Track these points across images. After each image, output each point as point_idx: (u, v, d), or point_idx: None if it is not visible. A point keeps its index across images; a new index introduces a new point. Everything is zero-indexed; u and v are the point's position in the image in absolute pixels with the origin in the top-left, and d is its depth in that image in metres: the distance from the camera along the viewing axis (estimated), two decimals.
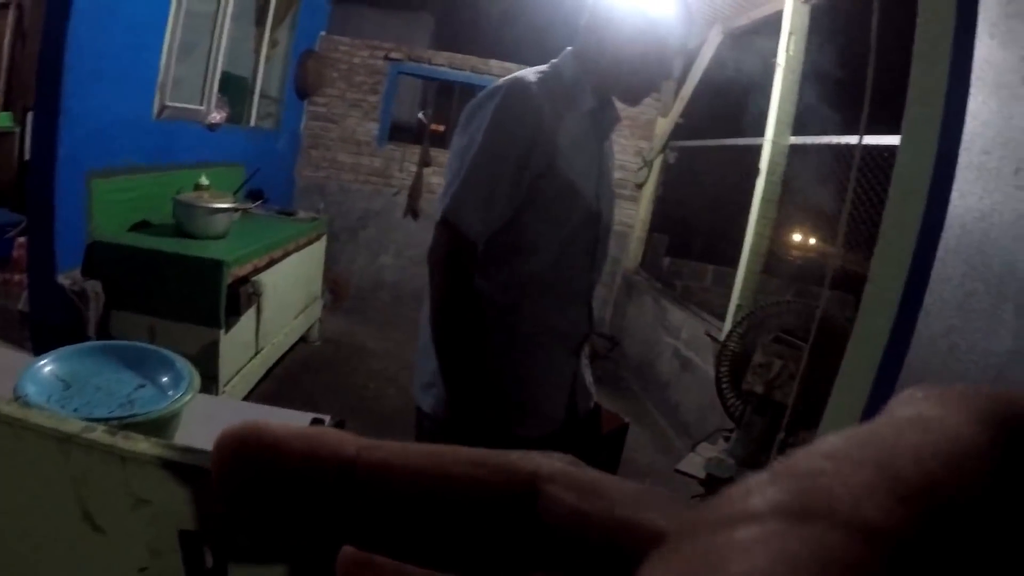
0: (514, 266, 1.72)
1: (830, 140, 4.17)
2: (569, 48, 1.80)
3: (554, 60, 1.79)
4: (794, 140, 4.60)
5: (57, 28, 3.07)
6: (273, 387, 4.55)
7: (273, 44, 6.02)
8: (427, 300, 1.72)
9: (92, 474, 0.99)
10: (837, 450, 0.15)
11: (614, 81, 1.74)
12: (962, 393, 0.17)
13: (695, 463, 2.83)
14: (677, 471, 2.65)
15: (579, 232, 1.75)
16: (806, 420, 2.65)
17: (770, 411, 2.67)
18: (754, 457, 2.66)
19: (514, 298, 1.73)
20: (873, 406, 1.15)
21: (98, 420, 1.07)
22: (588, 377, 1.96)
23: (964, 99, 1.13)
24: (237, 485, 0.20)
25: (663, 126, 6.93)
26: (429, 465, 0.20)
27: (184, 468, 0.95)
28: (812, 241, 6.47)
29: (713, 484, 2.66)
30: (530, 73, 1.71)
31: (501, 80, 1.67)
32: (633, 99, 1.79)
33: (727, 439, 2.95)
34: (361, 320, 6.56)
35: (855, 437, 0.15)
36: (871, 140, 3.10)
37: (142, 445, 0.98)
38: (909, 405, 0.17)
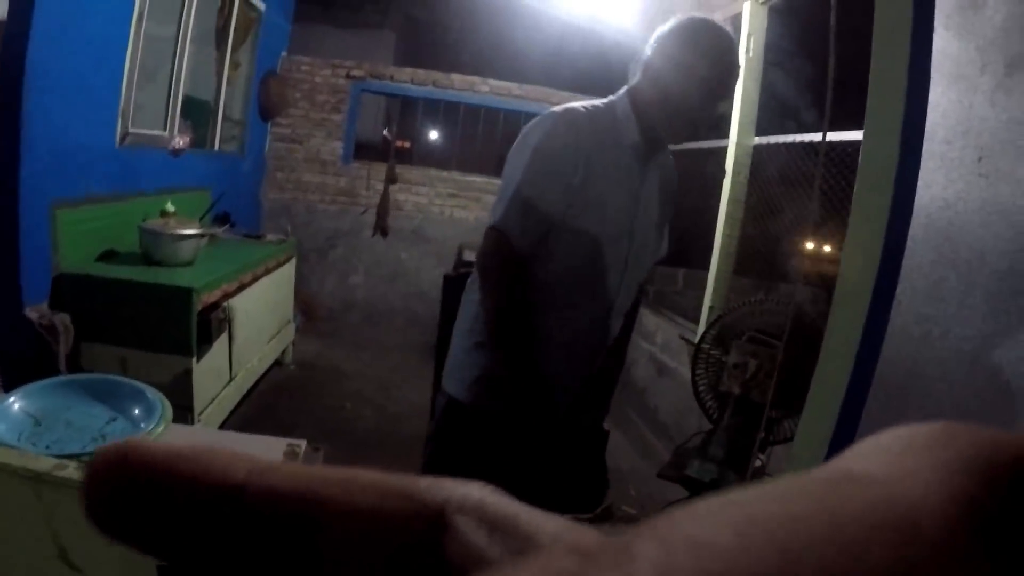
0: (529, 269, 1.87)
1: (793, 139, 4.19)
2: (627, 87, 1.92)
3: (612, 96, 1.93)
4: (758, 140, 4.63)
5: (15, 58, 3.02)
6: (249, 413, 4.51)
7: (235, 66, 5.98)
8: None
9: (65, 512, 0.97)
10: (736, 521, 0.13)
11: (661, 121, 1.85)
12: (936, 440, 0.15)
13: (676, 467, 2.82)
14: (660, 476, 2.65)
15: (602, 250, 1.89)
16: (786, 414, 2.66)
17: (748, 410, 2.68)
18: (735, 457, 2.66)
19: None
20: (851, 399, 1.15)
21: (70, 456, 1.05)
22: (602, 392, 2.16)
23: (925, 90, 1.14)
24: (107, 506, 0.19)
25: None
26: (326, 493, 0.19)
27: None
28: (783, 240, 6.51)
29: (696, 487, 2.66)
30: (581, 105, 1.87)
31: (556, 107, 1.86)
32: (675, 139, 1.96)
33: (707, 441, 2.95)
34: (334, 342, 6.52)
35: (770, 499, 0.14)
36: (835, 136, 3.12)
37: None
38: (866, 456, 0.16)
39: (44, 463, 0.95)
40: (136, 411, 1.48)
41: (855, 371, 1.15)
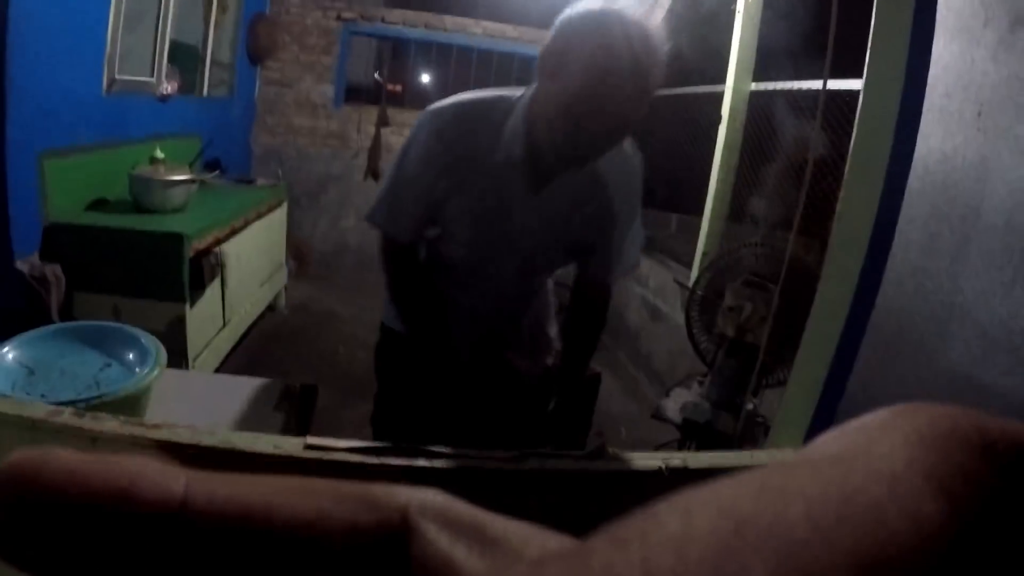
0: (433, 243, 1.83)
1: (792, 86, 4.16)
2: (529, 93, 1.63)
3: (522, 91, 1.66)
4: (755, 87, 4.59)
5: None
6: (243, 359, 4.53)
7: (223, 9, 5.88)
8: None
9: None
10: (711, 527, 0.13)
11: (544, 141, 1.56)
12: (897, 420, 0.16)
13: (671, 408, 2.85)
14: (653, 417, 2.68)
15: (480, 256, 1.81)
16: (779, 359, 2.69)
17: (742, 353, 2.70)
18: (730, 400, 2.69)
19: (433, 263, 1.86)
20: (845, 346, 1.16)
21: (65, 404, 1.05)
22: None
23: (929, 42, 1.13)
24: (11, 530, 0.17)
25: None
26: (274, 502, 0.17)
27: (159, 446, 0.95)
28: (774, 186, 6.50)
29: (690, 428, 2.69)
30: (472, 103, 1.66)
31: (443, 102, 1.66)
32: (566, 162, 1.59)
33: (701, 383, 2.97)
34: (327, 286, 6.53)
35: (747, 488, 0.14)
36: (835, 85, 3.10)
37: (111, 424, 0.96)
38: (837, 440, 0.16)
39: (39, 409, 0.96)
40: (130, 356, 1.48)
41: (849, 319, 1.16)
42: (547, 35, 1.50)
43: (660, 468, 1.06)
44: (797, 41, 4.19)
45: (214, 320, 3.98)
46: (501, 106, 1.63)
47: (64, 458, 0.17)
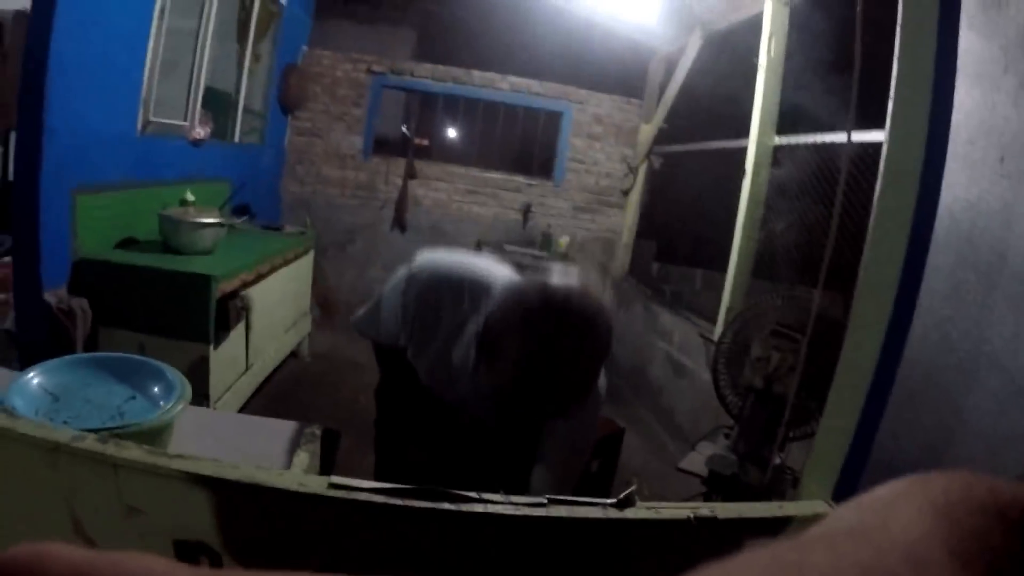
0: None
1: (815, 139, 4.16)
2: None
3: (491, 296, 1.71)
4: (779, 140, 4.61)
5: (39, 46, 3.05)
6: (264, 403, 4.52)
7: (256, 59, 6.00)
8: None
9: (83, 484, 0.97)
10: None
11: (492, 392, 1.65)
12: (912, 491, 0.15)
13: (696, 461, 2.81)
14: (679, 469, 2.64)
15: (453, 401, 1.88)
16: (806, 410, 2.65)
17: (770, 404, 2.67)
18: (757, 452, 2.65)
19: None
20: (873, 396, 1.14)
21: (89, 431, 1.04)
22: None
23: (951, 89, 1.12)
24: None
25: (647, 132, 6.97)
26: None
27: (182, 477, 0.93)
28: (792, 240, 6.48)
29: (716, 481, 2.65)
30: (442, 278, 1.84)
31: (424, 260, 1.96)
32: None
33: (727, 436, 2.94)
34: (351, 335, 6.49)
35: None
36: (859, 136, 3.10)
37: (135, 452, 0.96)
38: (858, 510, 0.16)
39: (63, 434, 0.95)
40: (155, 390, 1.48)
41: (877, 370, 1.14)
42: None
43: (689, 518, 1.04)
44: (819, 93, 4.21)
45: (237, 363, 3.98)
46: (472, 291, 1.73)
47: (67, 555, 0.17)
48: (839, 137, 3.86)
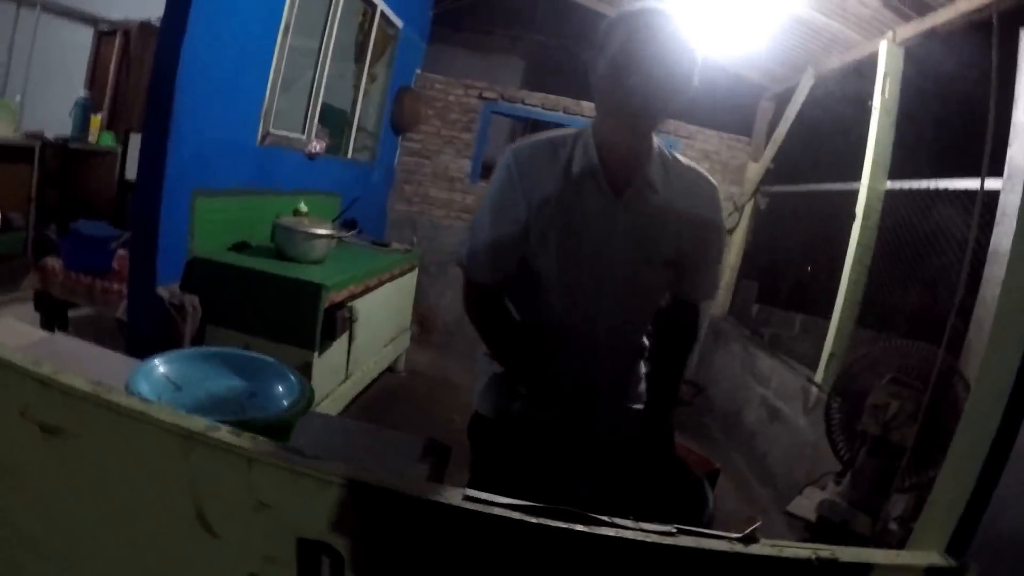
0: (528, 301, 1.85)
1: (929, 185, 4.01)
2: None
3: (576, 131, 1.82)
4: (891, 185, 4.47)
5: (170, 53, 3.17)
6: (359, 414, 4.54)
7: (371, 79, 6.12)
8: None
9: (212, 474, 0.96)
10: None
11: (609, 141, 1.72)
12: None
13: (805, 506, 2.72)
14: (787, 513, 2.55)
15: (567, 289, 1.79)
16: (919, 462, 2.54)
17: (885, 453, 2.56)
18: (868, 500, 2.54)
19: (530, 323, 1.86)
20: (996, 449, 1.09)
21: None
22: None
23: None
24: None
25: (754, 171, 6.87)
26: None
27: (318, 477, 0.92)
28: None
29: (824, 527, 2.55)
30: (536, 138, 1.79)
31: (521, 140, 1.80)
32: (634, 145, 1.73)
33: (837, 483, 2.83)
34: (447, 354, 6.55)
35: None
36: (968, 184, 2.97)
37: (269, 448, 0.95)
38: None
39: (198, 423, 0.95)
40: (278, 389, 1.48)
41: (1002, 424, 1.09)
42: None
43: (811, 559, 1.03)
44: (930, 138, 4.09)
45: (338, 372, 4.03)
46: (572, 135, 1.77)
47: None
48: (956, 184, 3.71)
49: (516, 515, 0.92)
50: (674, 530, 0.97)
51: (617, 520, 0.97)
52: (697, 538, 0.98)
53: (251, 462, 0.94)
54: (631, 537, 0.94)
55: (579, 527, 0.93)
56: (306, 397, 1.39)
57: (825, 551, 1.04)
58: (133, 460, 0.99)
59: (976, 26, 3.33)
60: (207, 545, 0.99)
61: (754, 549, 1.00)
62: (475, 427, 1.96)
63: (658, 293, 1.92)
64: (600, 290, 1.78)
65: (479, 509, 0.91)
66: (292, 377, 1.47)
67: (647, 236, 1.78)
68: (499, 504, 0.92)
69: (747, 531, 1.03)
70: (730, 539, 1.01)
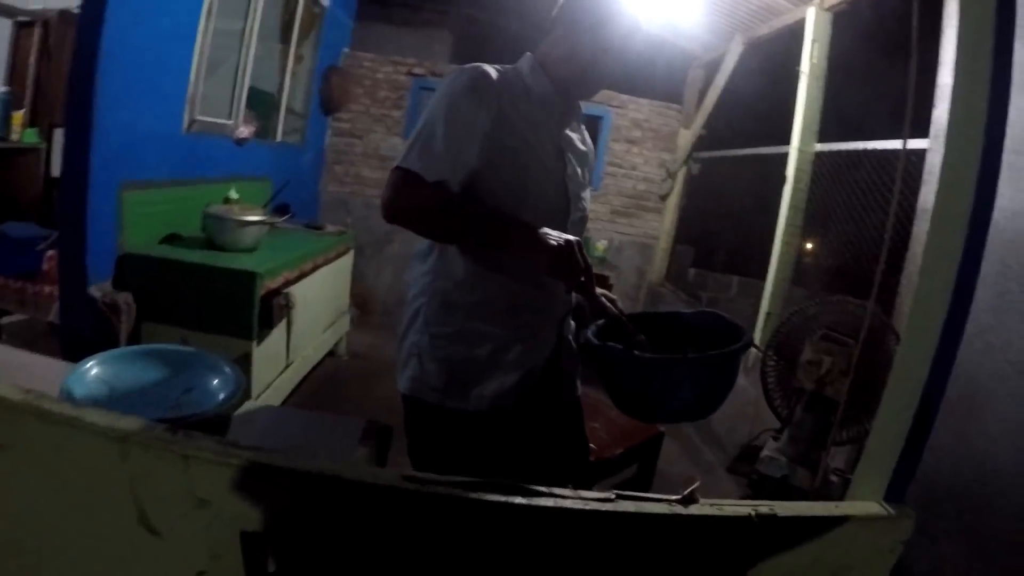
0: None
1: (857, 146, 4.13)
2: (528, 53, 1.94)
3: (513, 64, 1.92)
4: (820, 147, 4.59)
5: (90, 42, 3.09)
6: (302, 400, 4.53)
7: (298, 60, 6.04)
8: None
9: (150, 474, 0.97)
10: None
11: (564, 75, 1.86)
12: None
13: (745, 463, 2.79)
14: (730, 471, 2.62)
15: (541, 208, 1.80)
16: (855, 414, 2.63)
17: (820, 407, 2.64)
18: (807, 454, 2.62)
19: (487, 266, 1.80)
20: (927, 400, 1.15)
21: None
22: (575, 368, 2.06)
23: (1006, 97, 1.10)
24: None
25: (686, 137, 6.94)
26: None
27: (255, 468, 0.93)
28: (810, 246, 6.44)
29: (764, 484, 2.63)
30: (487, 64, 1.80)
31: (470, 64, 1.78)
32: (585, 93, 1.93)
33: (776, 439, 2.91)
34: (388, 335, 6.53)
35: None
36: (915, 145, 3.06)
37: (206, 443, 0.96)
38: None
39: (134, 423, 0.96)
40: (214, 383, 1.48)
41: (931, 374, 1.14)
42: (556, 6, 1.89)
43: (750, 515, 1.07)
44: (857, 101, 4.18)
45: (278, 360, 4.01)
46: (508, 67, 1.87)
47: None
48: (883, 144, 3.83)
49: (455, 491, 0.94)
50: (613, 496, 1.01)
51: (556, 490, 0.99)
52: (636, 503, 1.02)
53: (187, 459, 0.95)
54: (570, 506, 0.97)
55: (519, 500, 0.96)
56: (241, 389, 1.40)
57: (764, 507, 1.08)
58: (71, 466, 1.00)
59: None
60: (153, 547, 1.00)
61: (694, 510, 1.05)
62: (429, 419, 1.86)
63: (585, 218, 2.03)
64: (556, 209, 1.85)
65: (418, 488, 0.93)
66: (227, 369, 1.48)
67: (579, 162, 1.97)
68: (439, 482, 0.94)
69: (686, 492, 1.06)
70: (669, 501, 1.04)
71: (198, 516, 0.97)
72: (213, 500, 0.96)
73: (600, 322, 1.81)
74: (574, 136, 1.99)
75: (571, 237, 1.61)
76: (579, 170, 1.96)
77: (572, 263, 1.60)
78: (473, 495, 0.93)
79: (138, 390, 1.45)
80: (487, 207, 1.70)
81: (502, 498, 0.94)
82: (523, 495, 0.95)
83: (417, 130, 1.69)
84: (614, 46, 1.83)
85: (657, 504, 1.02)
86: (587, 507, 0.97)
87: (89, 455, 1.00)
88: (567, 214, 1.89)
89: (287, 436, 1.52)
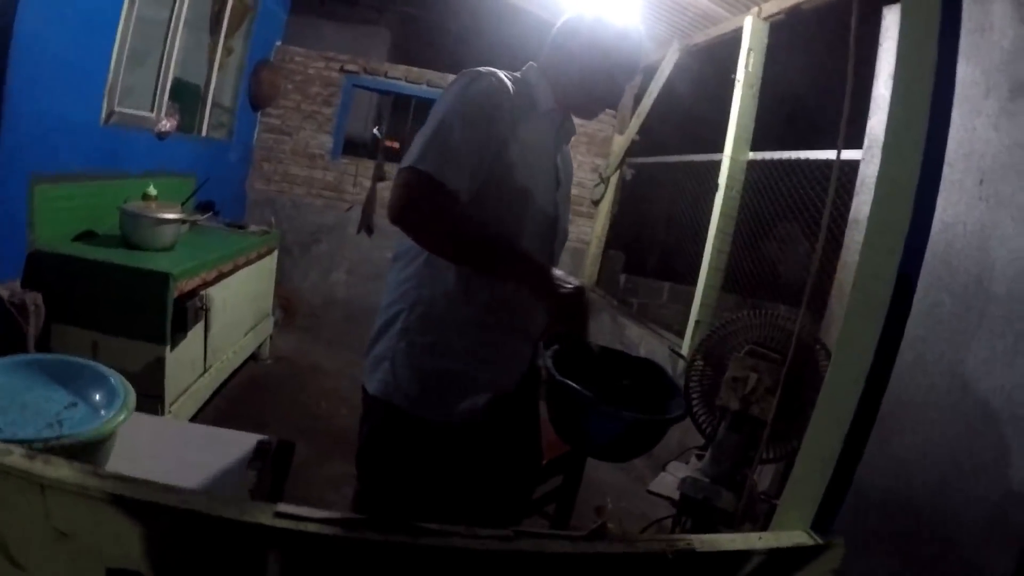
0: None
1: (789, 155, 4.18)
2: (532, 63, 1.95)
3: (517, 72, 1.92)
4: (753, 156, 4.63)
5: (1, 26, 2.93)
6: (222, 406, 4.41)
7: (227, 52, 5.90)
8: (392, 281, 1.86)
9: (9, 503, 0.88)
10: None
11: (573, 96, 1.91)
12: None
13: (667, 483, 2.75)
14: (650, 492, 2.57)
15: (535, 228, 1.82)
16: (782, 433, 2.60)
17: (746, 426, 2.61)
18: (731, 475, 2.59)
19: (478, 283, 1.77)
20: (859, 420, 1.10)
21: (23, 442, 0.96)
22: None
23: (948, 108, 1.08)
24: None
25: (620, 143, 6.97)
26: None
27: (116, 500, 0.85)
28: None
29: (687, 505, 2.58)
30: (499, 71, 1.80)
31: (477, 68, 1.77)
32: (588, 114, 1.99)
33: (700, 457, 2.87)
34: (313, 338, 6.43)
35: None
36: (848, 155, 3.09)
37: (64, 471, 0.87)
38: None
39: None
40: (97, 397, 1.39)
41: (863, 396, 1.10)
42: (563, 24, 1.93)
43: (665, 552, 1.00)
44: (788, 111, 4.25)
45: (194, 365, 3.87)
46: (515, 76, 1.88)
47: None
48: (815, 154, 3.88)
49: (332, 530, 0.87)
50: (511, 534, 0.94)
51: (448, 528, 0.93)
52: (537, 540, 0.94)
53: (44, 489, 0.86)
54: (462, 545, 0.91)
55: (401, 538, 0.89)
56: (126, 404, 1.31)
57: (681, 542, 1.02)
58: None
59: (840, 2, 3.45)
60: None
61: (601, 547, 0.98)
62: (370, 408, 1.84)
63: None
64: (544, 229, 1.88)
65: (291, 527, 0.86)
66: (112, 382, 1.39)
67: (567, 175, 2.03)
68: (313, 519, 0.87)
69: (594, 527, 0.99)
70: (574, 538, 0.98)
71: (60, 549, 0.88)
72: (75, 533, 0.88)
73: (556, 347, 1.82)
74: (566, 150, 2.06)
75: (578, 282, 1.64)
76: (567, 189, 2.03)
77: (579, 311, 1.64)
78: (353, 534, 0.86)
79: (20, 404, 1.35)
80: (494, 231, 1.68)
81: (384, 537, 0.87)
82: (407, 533, 0.88)
83: (431, 130, 1.63)
84: (624, 71, 1.90)
85: (560, 542, 0.96)
86: (482, 546, 0.90)
87: None
88: (555, 235, 1.93)
89: (175, 454, 1.44)
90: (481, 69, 1.77)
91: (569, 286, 1.61)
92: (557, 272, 1.63)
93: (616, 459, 1.81)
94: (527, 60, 1.95)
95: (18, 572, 0.91)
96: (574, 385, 1.61)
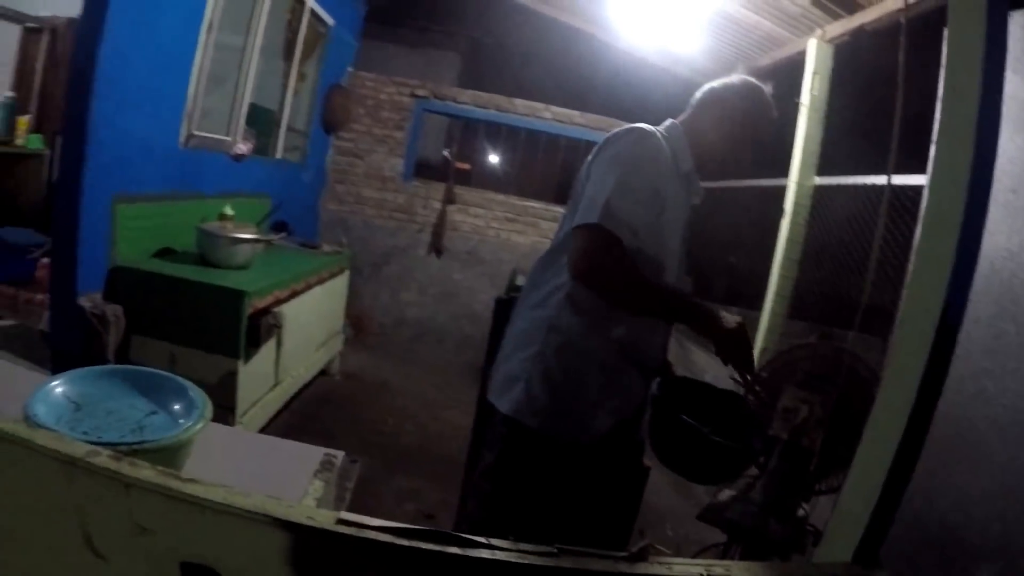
0: None
1: (855, 180, 4.13)
2: (674, 121, 2.10)
3: (661, 128, 2.05)
4: (819, 181, 4.58)
5: (87, 53, 3.08)
6: (291, 420, 4.52)
7: (301, 78, 6.07)
8: (530, 303, 2.04)
9: (95, 499, 0.96)
10: None
11: (710, 158, 2.06)
12: None
13: (719, 510, 2.73)
14: (699, 518, 2.57)
15: (669, 275, 2.00)
16: (835, 464, 2.57)
17: (796, 457, 2.59)
18: (780, 504, 2.57)
19: (613, 320, 1.95)
20: (904, 452, 1.10)
21: (107, 445, 1.04)
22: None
23: (995, 135, 1.08)
24: None
25: None
26: None
27: (192, 501, 0.92)
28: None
29: (736, 532, 2.58)
30: (651, 128, 1.98)
31: (633, 125, 1.96)
32: (711, 176, 2.12)
33: (753, 486, 2.85)
34: (382, 356, 6.54)
35: None
36: (900, 180, 3.06)
37: (147, 473, 0.95)
38: None
39: (78, 448, 0.95)
40: (177, 407, 1.47)
41: (909, 426, 1.09)
42: (709, 88, 2.11)
43: None
44: (862, 135, 4.19)
45: (266, 378, 3.99)
46: (664, 134, 2.02)
47: None
48: (880, 179, 3.83)
49: (387, 538, 0.92)
50: (555, 551, 0.97)
51: (495, 542, 0.97)
52: (579, 558, 0.97)
53: (128, 487, 0.94)
54: (507, 559, 0.94)
55: (453, 550, 0.94)
56: (203, 415, 1.39)
57: (718, 567, 1.04)
58: (22, 486, 0.99)
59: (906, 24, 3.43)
60: (98, 570, 0.99)
61: (641, 568, 1.00)
62: (500, 427, 2.00)
63: None
64: (673, 273, 2.05)
65: (352, 533, 0.92)
66: (191, 393, 1.47)
67: (686, 240, 2.18)
68: (371, 527, 0.93)
69: (637, 548, 1.02)
70: (615, 558, 1.00)
71: (139, 543, 0.96)
72: (154, 529, 0.95)
73: (660, 380, 2.08)
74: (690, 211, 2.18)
75: (740, 319, 1.82)
76: (688, 243, 2.19)
77: (743, 345, 1.85)
78: (407, 543, 0.91)
79: (104, 410, 1.44)
80: (658, 281, 1.92)
81: (437, 547, 0.92)
82: (458, 545, 0.93)
83: (610, 189, 1.80)
84: (763, 139, 2.07)
85: (601, 561, 0.99)
86: (524, 560, 0.94)
87: (38, 478, 0.99)
88: (674, 275, 2.07)
89: (249, 464, 1.51)
90: (644, 127, 1.93)
91: (732, 324, 1.79)
92: (722, 312, 1.81)
93: (710, 483, 2.05)
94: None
95: (99, 562, 0.99)
96: (695, 424, 1.80)
